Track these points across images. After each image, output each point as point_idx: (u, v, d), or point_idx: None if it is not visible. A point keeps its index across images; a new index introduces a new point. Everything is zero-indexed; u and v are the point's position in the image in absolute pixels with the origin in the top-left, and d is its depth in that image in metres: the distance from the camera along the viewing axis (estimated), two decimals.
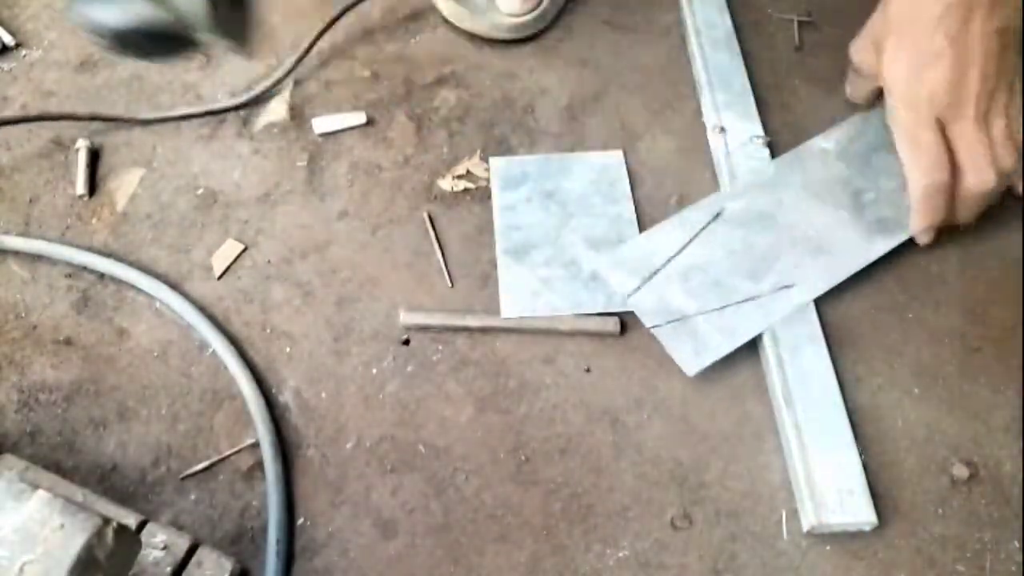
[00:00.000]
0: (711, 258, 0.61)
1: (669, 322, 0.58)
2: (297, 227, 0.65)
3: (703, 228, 0.62)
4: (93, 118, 0.69)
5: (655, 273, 0.60)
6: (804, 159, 0.66)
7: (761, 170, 0.66)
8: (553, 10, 0.77)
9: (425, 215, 0.65)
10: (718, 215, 0.63)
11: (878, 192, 0.64)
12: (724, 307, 0.58)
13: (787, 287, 0.59)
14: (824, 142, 0.67)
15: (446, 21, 0.77)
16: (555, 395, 0.57)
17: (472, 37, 0.77)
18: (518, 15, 0.75)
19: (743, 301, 0.59)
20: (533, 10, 0.75)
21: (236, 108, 0.71)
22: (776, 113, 0.71)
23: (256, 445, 0.54)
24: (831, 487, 0.52)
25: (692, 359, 0.57)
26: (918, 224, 0.61)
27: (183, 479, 0.53)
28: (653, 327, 0.58)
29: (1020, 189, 0.64)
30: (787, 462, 0.54)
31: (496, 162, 0.68)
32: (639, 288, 0.59)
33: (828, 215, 0.63)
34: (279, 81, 0.72)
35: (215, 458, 0.54)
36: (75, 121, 0.69)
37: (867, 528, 0.51)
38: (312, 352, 0.59)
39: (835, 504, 0.51)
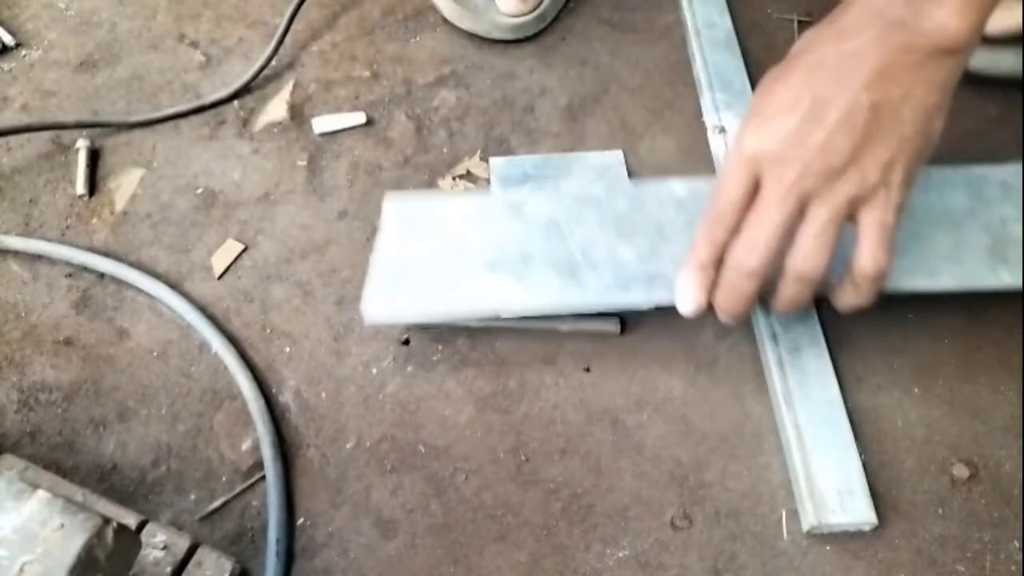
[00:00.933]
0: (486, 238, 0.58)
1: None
2: (297, 227, 0.65)
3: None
4: (79, 125, 0.69)
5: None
6: (646, 194, 0.61)
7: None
8: (553, 10, 0.77)
9: None
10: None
11: (681, 251, 0.57)
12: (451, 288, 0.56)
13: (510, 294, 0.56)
14: (679, 188, 0.60)
15: (446, 21, 0.77)
16: (555, 395, 0.57)
17: (472, 37, 0.77)
18: (517, 15, 0.75)
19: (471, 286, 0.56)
20: (533, 10, 0.75)
21: (227, 100, 0.71)
22: None
23: (263, 479, 0.54)
24: (831, 487, 0.52)
25: (378, 305, 0.56)
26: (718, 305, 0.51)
27: (200, 520, 0.52)
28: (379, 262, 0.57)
29: (840, 303, 0.51)
30: (787, 462, 0.54)
31: (496, 162, 0.68)
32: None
33: (628, 250, 0.58)
34: (263, 68, 0.72)
35: (228, 496, 0.53)
36: (64, 130, 0.69)
37: (867, 528, 0.51)
38: (312, 352, 0.59)
39: (835, 504, 0.51)
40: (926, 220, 0.58)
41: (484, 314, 0.57)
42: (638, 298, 0.56)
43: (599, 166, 0.68)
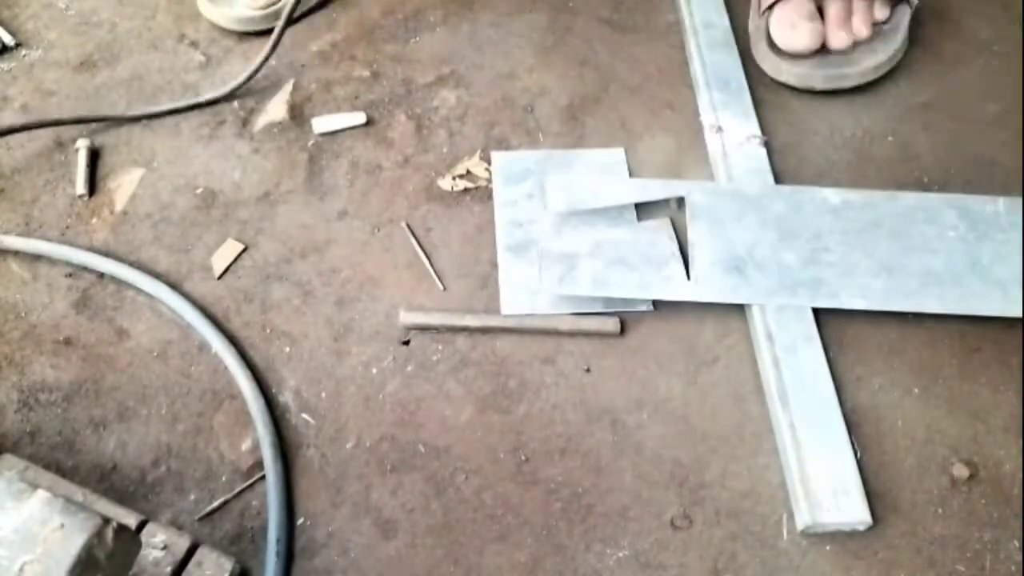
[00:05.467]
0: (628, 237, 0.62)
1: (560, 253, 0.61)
2: (297, 227, 0.65)
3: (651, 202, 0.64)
4: (78, 121, 0.69)
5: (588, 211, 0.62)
6: (802, 199, 0.64)
7: (757, 177, 0.66)
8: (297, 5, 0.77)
9: (404, 225, 0.65)
10: (680, 200, 0.64)
11: (839, 259, 0.60)
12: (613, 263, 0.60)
13: (672, 278, 0.60)
14: (832, 196, 0.64)
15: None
16: (555, 395, 0.57)
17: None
18: (258, 8, 0.75)
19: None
20: (272, 4, 0.76)
21: (223, 99, 0.71)
22: (774, 112, 0.71)
23: (262, 478, 0.54)
24: (826, 487, 0.52)
25: (552, 281, 0.59)
26: None
27: (200, 520, 0.52)
28: (544, 247, 0.61)
29: None
30: (782, 462, 0.54)
31: (498, 157, 0.68)
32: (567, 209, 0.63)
33: (788, 252, 0.61)
34: (254, 73, 0.72)
35: (228, 496, 0.53)
36: (62, 126, 0.69)
37: (861, 528, 0.51)
38: (312, 352, 0.59)
39: (830, 504, 0.51)
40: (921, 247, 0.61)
41: (652, 297, 0.60)
42: (803, 301, 0.59)
43: (601, 163, 0.68)
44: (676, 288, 0.59)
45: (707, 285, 0.59)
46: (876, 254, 0.61)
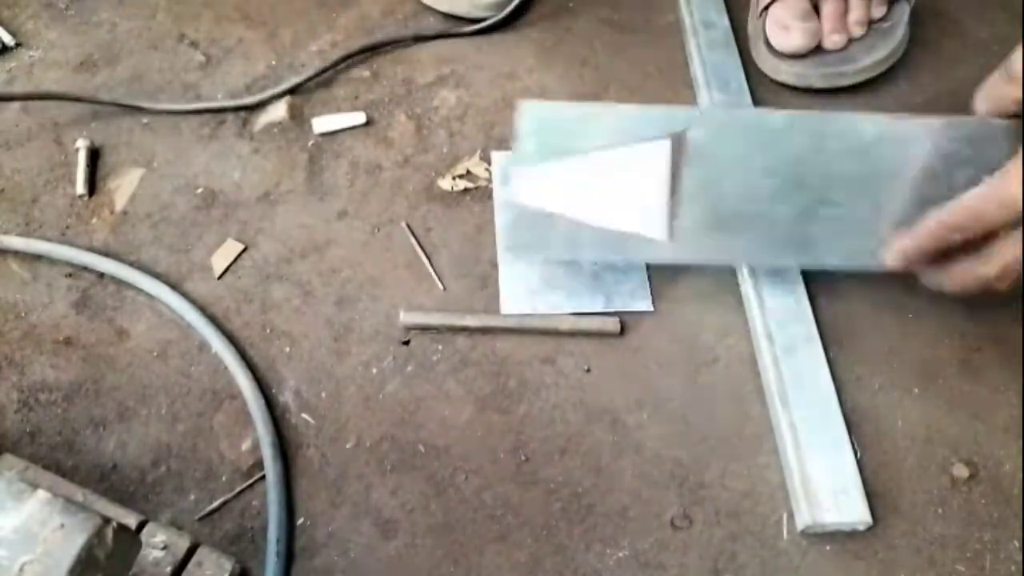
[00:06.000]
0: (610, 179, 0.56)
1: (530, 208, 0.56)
2: (297, 227, 0.65)
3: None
4: (95, 101, 0.70)
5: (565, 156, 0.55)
6: (827, 134, 0.55)
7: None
8: None
9: (404, 225, 0.65)
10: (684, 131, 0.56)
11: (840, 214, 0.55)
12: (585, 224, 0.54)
13: (649, 240, 0.54)
14: (869, 127, 0.55)
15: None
16: (555, 395, 0.57)
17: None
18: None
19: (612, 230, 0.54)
20: None
21: (237, 109, 0.71)
22: None
23: (262, 478, 0.54)
24: (826, 486, 0.52)
25: (519, 243, 0.56)
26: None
27: (200, 520, 0.52)
28: (508, 200, 0.57)
29: None
30: (782, 462, 0.54)
31: (498, 156, 0.68)
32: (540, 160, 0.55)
33: (785, 205, 0.55)
34: (286, 92, 0.72)
35: (228, 496, 0.53)
36: (76, 102, 0.70)
37: (861, 528, 0.51)
38: (312, 352, 0.59)
39: (830, 503, 0.51)
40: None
41: (629, 259, 0.55)
42: (787, 262, 0.56)
43: None
44: (657, 250, 0.56)
45: (689, 245, 0.56)
46: (888, 208, 0.54)
